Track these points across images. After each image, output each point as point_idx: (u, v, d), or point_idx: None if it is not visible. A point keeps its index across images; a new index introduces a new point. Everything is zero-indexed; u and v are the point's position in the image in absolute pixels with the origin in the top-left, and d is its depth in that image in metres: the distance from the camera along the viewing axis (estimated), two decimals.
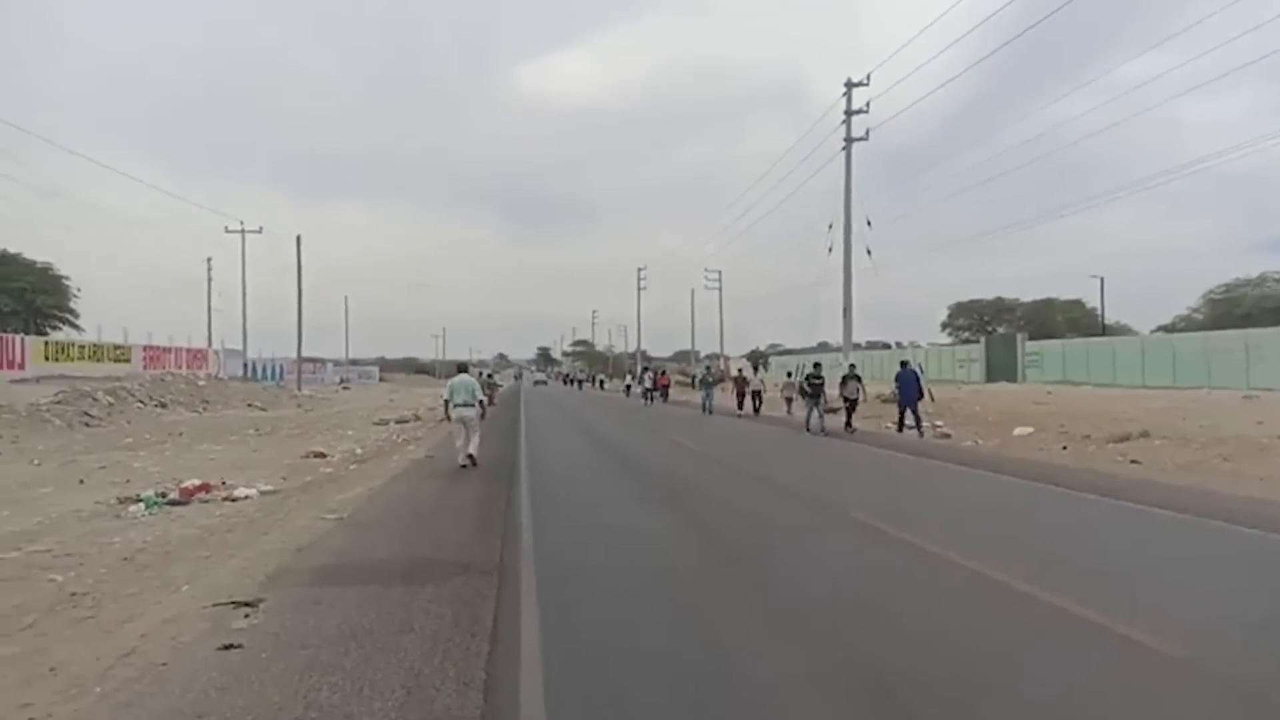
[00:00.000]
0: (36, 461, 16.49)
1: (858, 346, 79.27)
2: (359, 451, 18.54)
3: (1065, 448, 17.64)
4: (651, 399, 41.95)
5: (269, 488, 12.68)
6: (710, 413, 31.42)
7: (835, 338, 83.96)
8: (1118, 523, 8.88)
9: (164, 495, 11.67)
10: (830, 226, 35.28)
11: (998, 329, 72.93)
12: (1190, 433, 18.00)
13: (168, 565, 7.48)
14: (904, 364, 22.27)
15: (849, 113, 34.27)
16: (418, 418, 29.87)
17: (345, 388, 71.55)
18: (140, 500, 11.29)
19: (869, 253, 33.95)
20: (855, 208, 34.30)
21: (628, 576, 6.37)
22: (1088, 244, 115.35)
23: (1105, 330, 59.14)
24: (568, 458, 16.02)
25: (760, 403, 30.97)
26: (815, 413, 21.74)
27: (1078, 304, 75.34)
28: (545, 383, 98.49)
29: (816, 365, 23.51)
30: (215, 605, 5.75)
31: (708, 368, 39.87)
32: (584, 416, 31.21)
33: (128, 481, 13.78)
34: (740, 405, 31.67)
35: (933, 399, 30.20)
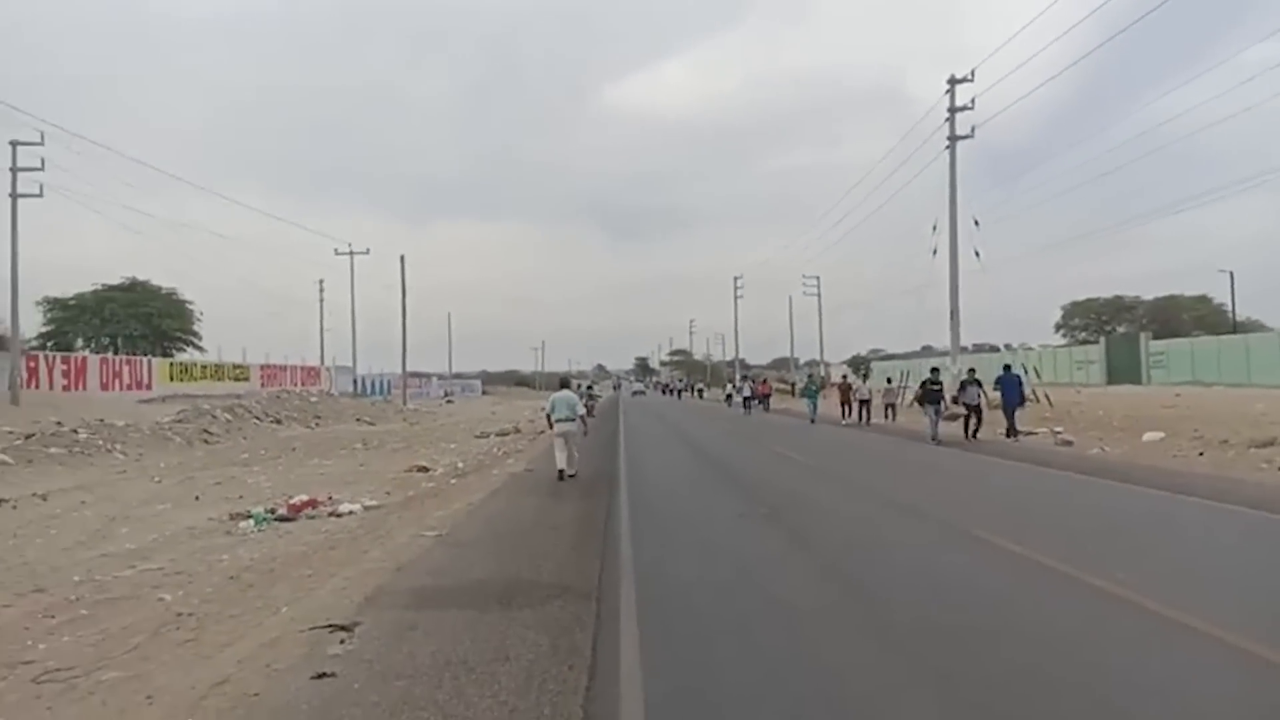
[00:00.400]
0: (157, 479, 17.16)
1: (964, 350, 76.54)
2: (460, 465, 18.67)
3: (1201, 454, 16.36)
4: (751, 408, 40.86)
5: (373, 503, 12.79)
6: (814, 422, 30.41)
7: (939, 341, 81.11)
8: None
9: (273, 511, 11.88)
10: (934, 228, 34.06)
11: (1117, 328, 69.37)
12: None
13: (271, 584, 7.49)
14: (1006, 367, 22.78)
15: (953, 109, 33.00)
16: (518, 430, 30.09)
17: (449, 401, 73.14)
18: (250, 517, 11.52)
19: (977, 254, 32.58)
20: (960, 208, 33.04)
21: (732, 602, 5.98)
22: (1211, 238, 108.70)
23: (1236, 327, 55.37)
24: (667, 470, 15.68)
25: (868, 411, 29.28)
26: (934, 421, 20.32)
27: (1204, 300, 71.03)
28: (644, 393, 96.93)
29: (934, 370, 21.81)
30: (312, 629, 5.64)
31: (810, 375, 37.95)
32: (683, 427, 30.64)
33: (240, 497, 14.14)
34: (845, 414, 30.10)
35: (1050, 404, 28.80)
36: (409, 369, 67.00)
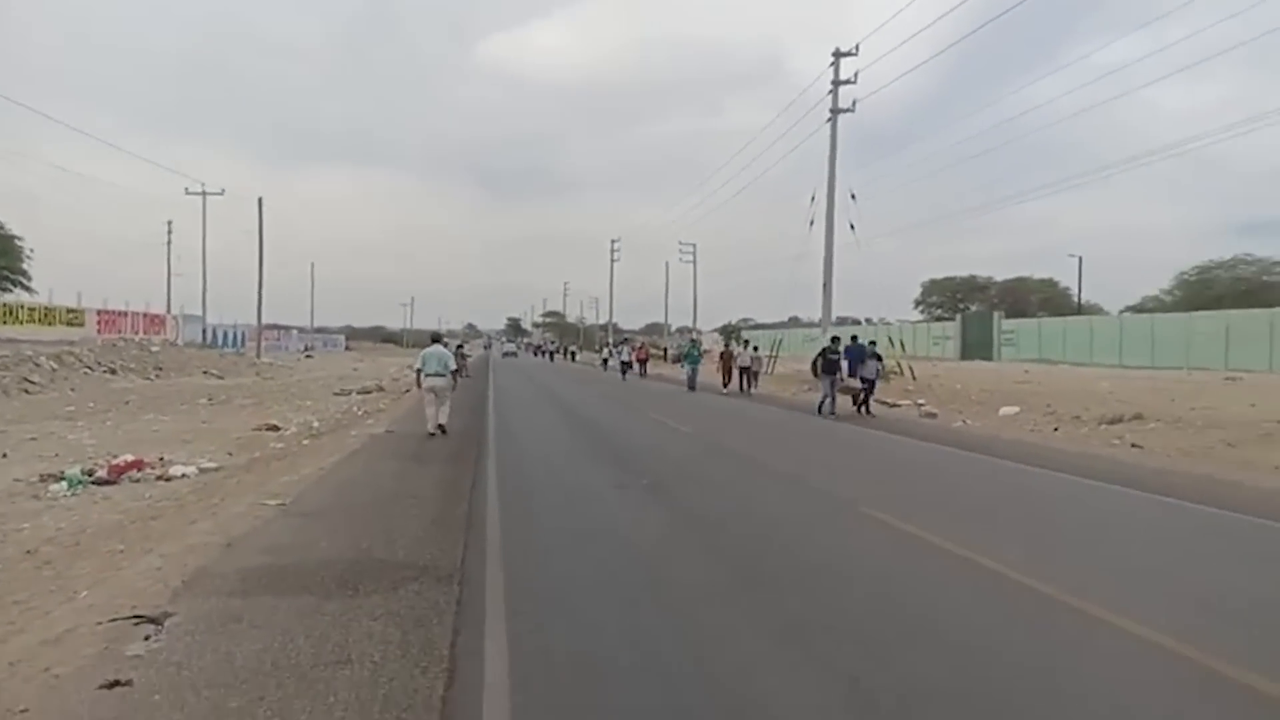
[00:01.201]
0: None
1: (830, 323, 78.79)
2: (315, 425, 17.39)
3: (1056, 429, 16.95)
4: (628, 373, 39.65)
5: (211, 465, 11.58)
6: (694, 389, 29.35)
7: (807, 313, 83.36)
8: (1152, 519, 8.09)
9: (90, 473, 10.52)
10: (813, 199, 34.32)
11: (970, 307, 72.71)
12: (1183, 415, 17.39)
13: (73, 561, 6.42)
14: (854, 338, 23.92)
15: (836, 83, 33.20)
16: (381, 389, 28.66)
17: (308, 356, 69.76)
18: (64, 479, 10.14)
19: (852, 226, 33.05)
20: (838, 181, 33.40)
21: (611, 588, 5.39)
22: (1058, 226, 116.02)
23: (1081, 309, 58.95)
24: (540, 436, 14.78)
25: (750, 380, 28.58)
26: (829, 393, 19.55)
27: (1050, 283, 75.29)
28: (515, 354, 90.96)
29: (835, 340, 21.03)
30: (113, 620, 4.71)
31: (693, 340, 36.57)
32: (557, 390, 29.55)
33: (56, 455, 12.59)
34: (726, 381, 29.46)
35: (914, 377, 29.66)
36: (267, 321, 63.39)
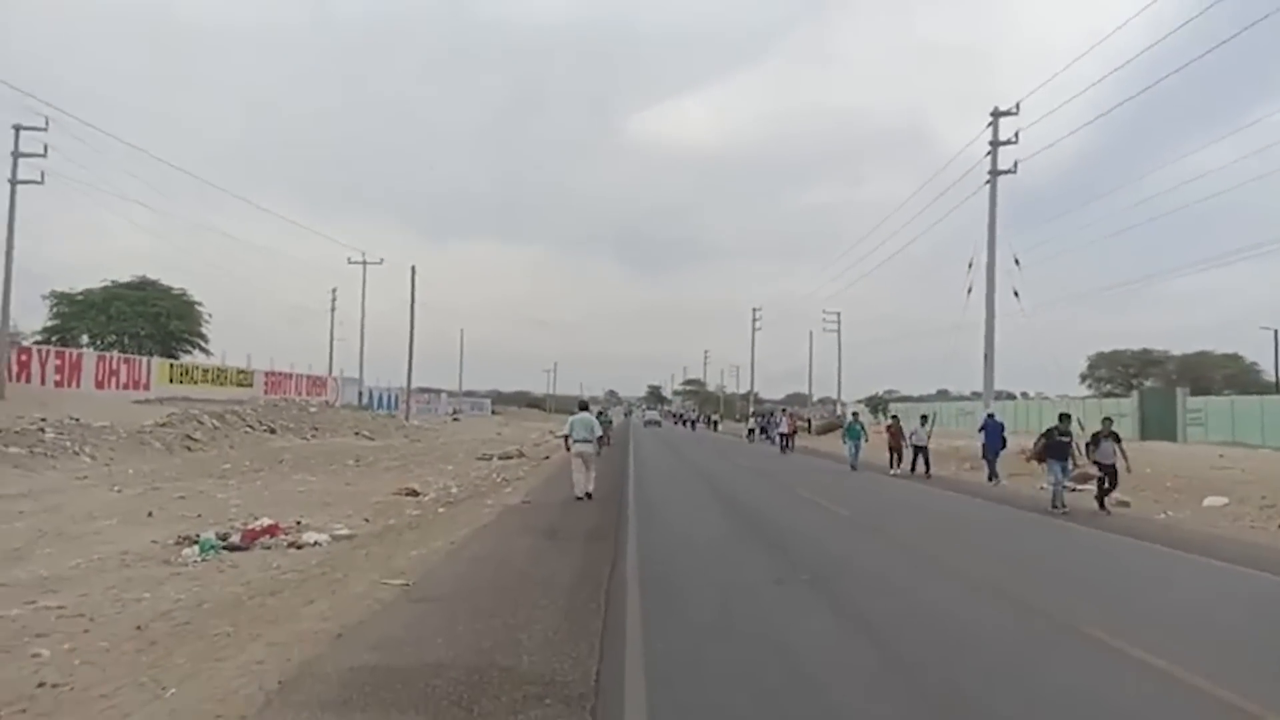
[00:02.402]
0: (118, 488, 15.56)
1: (977, 395, 74.47)
2: (454, 491, 17.02)
3: (1122, 502, 14.97)
4: (788, 446, 35.47)
5: (344, 532, 11.15)
6: (855, 468, 25.42)
7: (956, 386, 79.45)
8: None
9: (225, 537, 10.25)
10: (970, 265, 32.32)
11: (1144, 382, 67.23)
12: None
13: (178, 645, 5.84)
14: (990, 415, 23.80)
15: (995, 143, 31.40)
16: (521, 454, 28.42)
17: (455, 419, 71.51)
18: (198, 542, 9.88)
19: (1016, 294, 30.80)
20: (998, 246, 31.35)
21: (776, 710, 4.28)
22: (1236, 297, 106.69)
23: (1279, 388, 53.26)
24: (685, 515, 13.60)
25: (927, 460, 24.11)
26: (1059, 482, 15.56)
27: (1235, 358, 68.92)
28: (659, 423, 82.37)
29: (1064, 418, 16.66)
30: None
31: (855, 413, 31.55)
32: (701, 463, 27.80)
33: (199, 516, 12.53)
34: (894, 461, 25.06)
35: (1129, 469, 26.91)
36: (418, 384, 65.58)
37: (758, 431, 47.12)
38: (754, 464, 27.76)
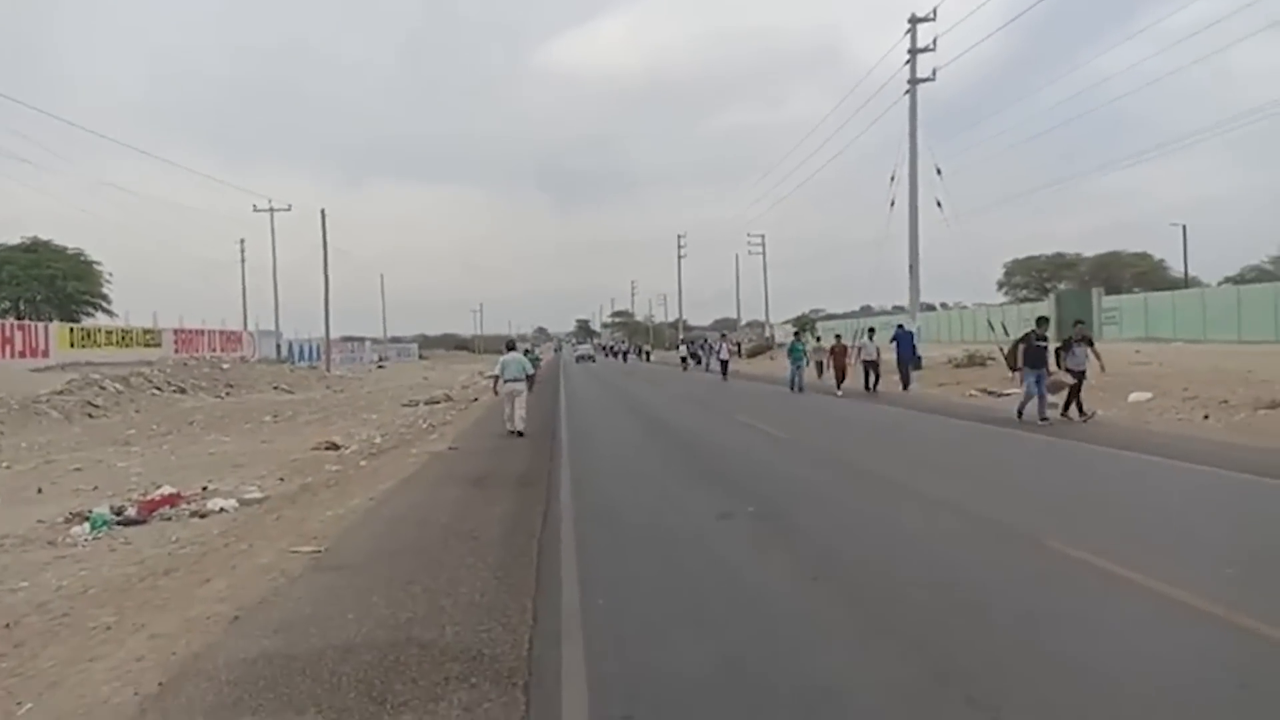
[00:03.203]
0: (5, 464, 14.35)
1: (900, 309, 75.67)
2: (378, 441, 16.20)
3: (1206, 417, 14.72)
4: (727, 372, 34.25)
5: (255, 495, 10.34)
6: (800, 389, 24.10)
7: (879, 301, 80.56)
8: None
9: (120, 512, 9.34)
10: (893, 178, 32.18)
11: (1059, 286, 69.03)
12: None
13: (48, 643, 5.09)
14: (900, 326, 24.65)
15: (914, 50, 31.02)
16: (449, 398, 27.56)
17: (381, 366, 69.77)
18: (88, 519, 8.98)
19: (939, 204, 30.80)
20: (919, 157, 31.13)
21: (738, 691, 3.78)
22: (1143, 198, 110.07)
23: (1189, 282, 55.07)
24: (622, 455, 12.59)
25: (877, 376, 22.90)
26: (1037, 391, 14.43)
27: (1145, 257, 71.23)
28: (592, 358, 73.60)
29: (1041, 321, 15.56)
30: None
31: (796, 332, 29.83)
32: (638, 395, 26.64)
33: (96, 489, 11.56)
34: (840, 381, 23.60)
35: (1103, 368, 27.20)
36: (341, 333, 63.56)
37: (690, 360, 46.69)
38: (690, 393, 26.95)
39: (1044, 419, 14.00)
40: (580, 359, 70.63)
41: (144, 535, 8.42)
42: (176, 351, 47.46)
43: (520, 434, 14.68)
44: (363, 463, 13.07)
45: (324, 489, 10.61)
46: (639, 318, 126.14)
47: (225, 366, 37.93)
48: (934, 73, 31.21)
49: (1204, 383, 18.89)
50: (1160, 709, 3.45)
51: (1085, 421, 14.15)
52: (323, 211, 54.06)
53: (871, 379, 22.79)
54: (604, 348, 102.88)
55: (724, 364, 34.70)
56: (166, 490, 10.36)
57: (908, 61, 31.23)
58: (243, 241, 63.50)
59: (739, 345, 57.08)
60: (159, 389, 28.05)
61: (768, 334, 74.52)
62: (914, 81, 31.25)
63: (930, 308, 74.79)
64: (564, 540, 6.66)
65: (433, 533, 7.19)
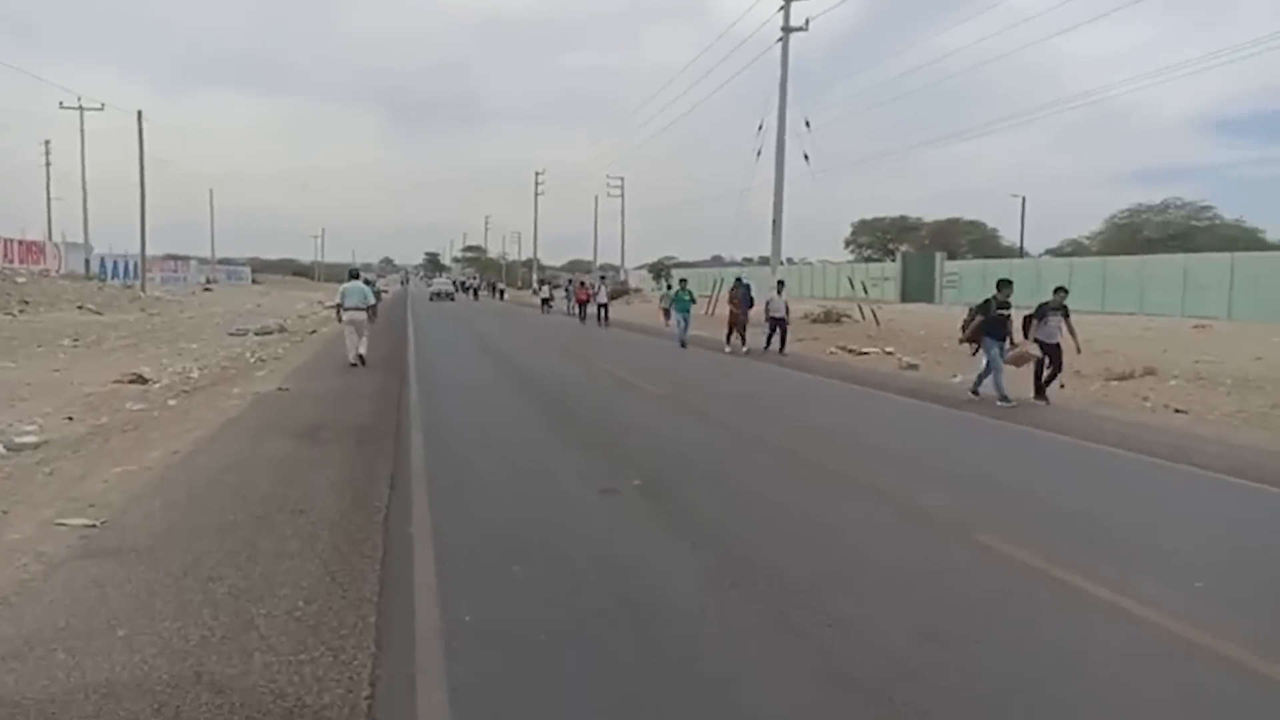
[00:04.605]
0: None
1: (749, 262, 76.84)
2: (194, 376, 14.22)
3: (1063, 386, 14.95)
4: (592, 317, 32.11)
5: (30, 439, 8.51)
6: (685, 345, 21.59)
7: (731, 252, 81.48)
8: None
9: None
10: (760, 128, 31.73)
11: (901, 248, 71.81)
12: (1190, 369, 15.67)
13: None
14: (738, 280, 21.86)
15: None
16: (283, 329, 25.23)
17: (208, 289, 64.45)
18: None
19: (806, 157, 30.60)
20: (781, 113, 30.73)
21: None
22: (976, 169, 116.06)
23: (1022, 252, 58.24)
24: (483, 413, 10.81)
25: (785, 336, 20.35)
26: (995, 364, 12.40)
27: (979, 225, 75.17)
28: (451, 296, 62.85)
29: (1004, 284, 13.07)
30: None
31: (684, 280, 25.47)
32: (498, 342, 23.30)
33: None
34: (730, 337, 20.90)
35: (878, 322, 27.43)
36: (166, 252, 57.98)
37: (554, 301, 43.90)
38: (559, 341, 24.15)
39: (1005, 399, 12.04)
40: (437, 296, 60.25)
41: None
42: None
43: (362, 361, 14.89)
44: (172, 402, 11.24)
45: (119, 434, 8.87)
46: (492, 254, 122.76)
47: (20, 280, 33.58)
48: (807, 22, 30.72)
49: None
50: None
51: (1048, 403, 12.43)
52: (139, 113, 48.58)
53: (777, 338, 20.23)
54: (456, 283, 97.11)
55: (603, 309, 31.77)
56: None
57: (782, 8, 30.58)
58: (48, 143, 56.67)
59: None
60: None
61: (622, 278, 73.83)
62: (787, 29, 30.70)
63: (782, 262, 76.12)
64: (416, 521, 5.42)
65: (249, 504, 5.81)
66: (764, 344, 20.28)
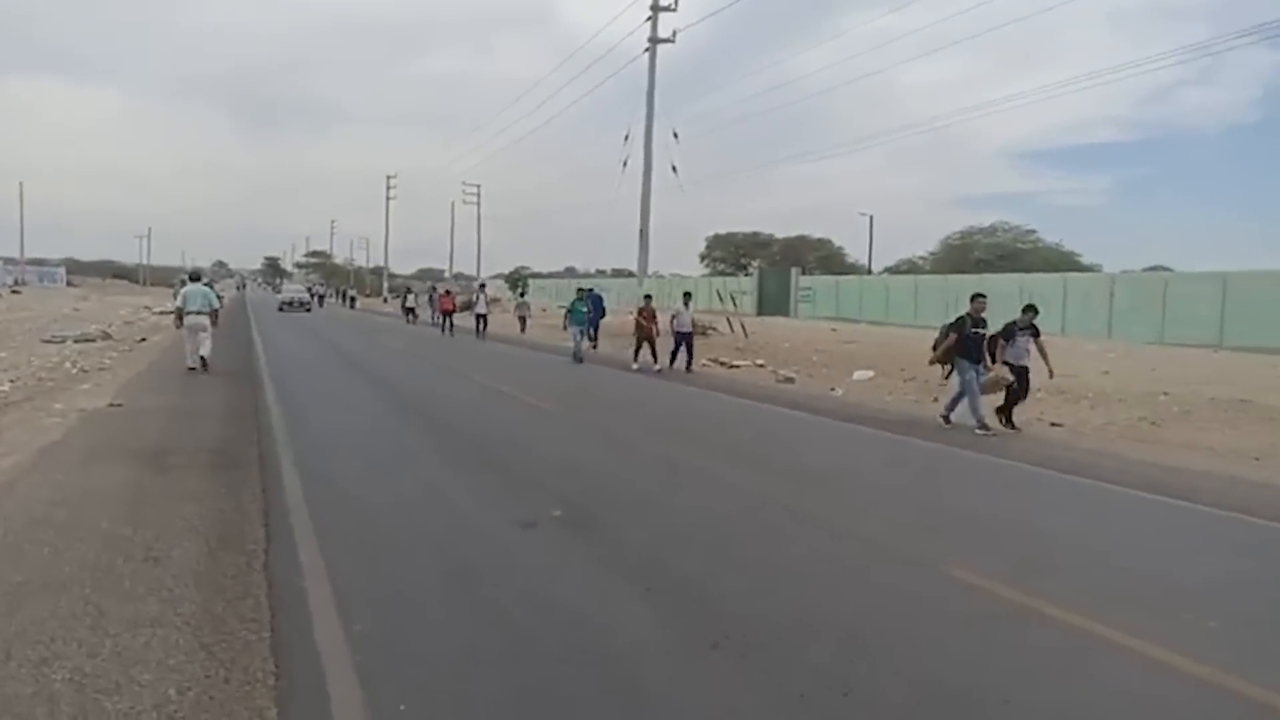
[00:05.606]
0: None
1: (602, 274, 76.92)
2: (5, 388, 12.35)
3: (935, 399, 15.21)
4: (451, 326, 30.34)
5: None
6: (581, 360, 20.14)
7: (583, 263, 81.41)
8: (1234, 542, 5.86)
9: None
10: (627, 137, 31.39)
11: (753, 262, 73.72)
12: (1062, 386, 16.31)
13: None
14: (589, 290, 23.04)
15: (656, 8, 30.27)
16: (107, 335, 22.81)
17: (16, 292, 58.44)
18: None
19: (674, 169, 30.54)
20: (649, 122, 30.59)
21: None
22: (820, 188, 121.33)
23: (871, 269, 60.74)
24: (360, 435, 9.49)
25: (691, 352, 18.98)
26: (971, 388, 11.30)
27: (827, 242, 78.18)
28: (307, 306, 51.43)
29: (978, 298, 11.69)
30: None
31: (584, 289, 23.49)
32: (363, 357, 20.35)
33: None
34: (639, 354, 19.41)
35: (745, 335, 27.57)
36: None
37: (417, 311, 41.00)
38: (433, 354, 22.12)
39: (984, 428, 10.96)
40: (288, 305, 49.63)
41: None
42: None
43: (204, 364, 14.70)
44: None
45: None
46: (338, 260, 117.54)
47: None
48: (674, 34, 30.72)
49: (916, 364, 19.99)
50: None
51: (1017, 430, 11.41)
52: None
53: (683, 355, 18.81)
54: (313, 291, 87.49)
55: (481, 319, 29.38)
56: None
57: (649, 18, 30.49)
58: None
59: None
60: None
61: (589, 287, 72.14)
62: (654, 40, 30.60)
63: (630, 274, 76.47)
64: (308, 571, 4.50)
65: (86, 550, 4.73)
66: (669, 361, 18.88)
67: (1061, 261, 50.22)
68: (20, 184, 77.42)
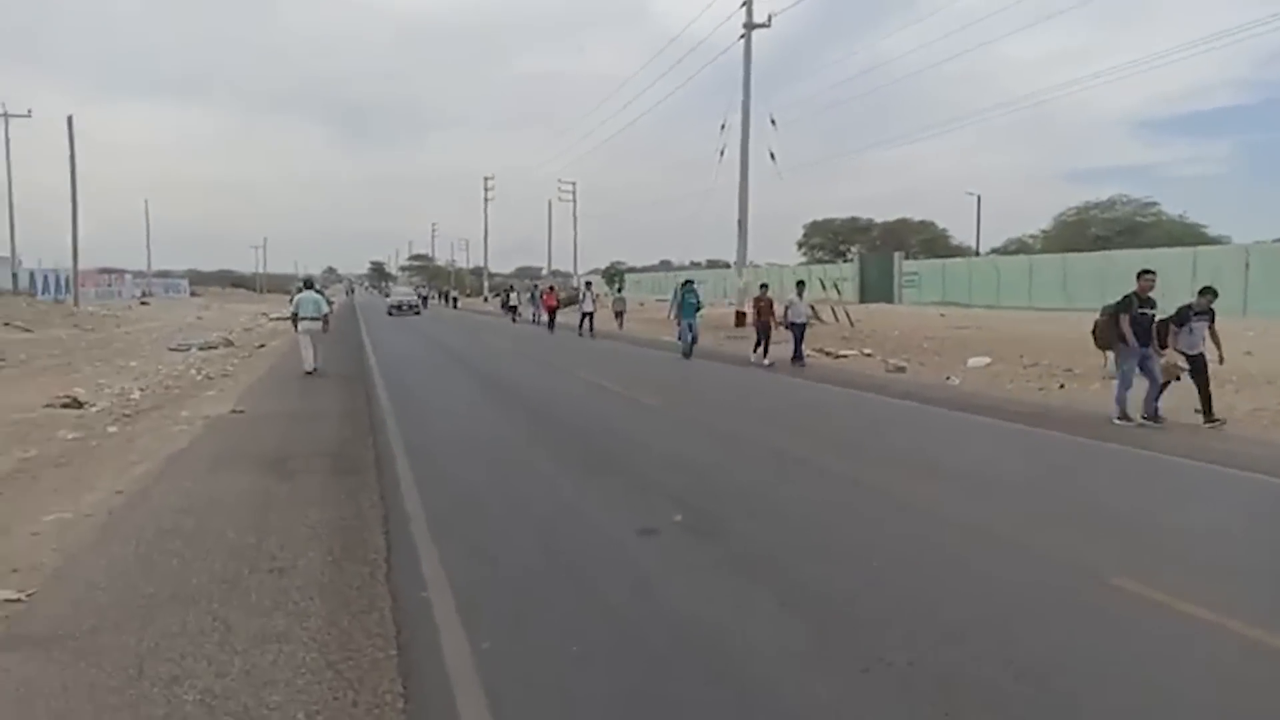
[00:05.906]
0: None
1: (696, 266, 76.13)
2: (135, 396, 12.92)
3: (1062, 386, 14.35)
4: (554, 324, 30.40)
5: None
6: (689, 356, 19.42)
7: (679, 256, 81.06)
8: None
9: None
10: (723, 127, 31.00)
11: (853, 248, 72.06)
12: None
13: None
14: (689, 282, 21.26)
15: None
16: (229, 343, 23.78)
17: (144, 303, 61.82)
18: None
19: (773, 156, 29.94)
20: (745, 110, 30.05)
21: None
22: (920, 170, 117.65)
23: (978, 251, 58.56)
24: (476, 437, 9.26)
25: (801, 344, 18.28)
26: (1126, 378, 10.38)
27: (930, 225, 75.67)
28: (416, 309, 49.62)
29: (1146, 274, 10.54)
30: None
31: (689, 281, 21.94)
32: (465, 353, 21.07)
33: None
34: (758, 349, 18.49)
35: (851, 323, 26.80)
36: (100, 265, 55.29)
37: (519, 310, 40.88)
38: (538, 352, 21.74)
39: (1154, 417, 10.04)
40: (398, 309, 48.16)
41: None
42: None
43: (316, 371, 15.27)
44: (112, 429, 10.01)
45: (51, 469, 7.68)
46: (440, 262, 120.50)
47: None
48: (769, 18, 30.14)
49: (1033, 348, 19.01)
50: None
51: (1218, 427, 9.96)
52: (69, 118, 46.17)
53: (796, 349, 18.18)
54: (419, 292, 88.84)
55: (587, 317, 28.63)
56: None
57: (744, 3, 29.96)
58: None
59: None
60: None
61: (575, 283, 72.79)
62: (750, 26, 30.07)
63: (726, 265, 75.74)
64: (430, 582, 4.39)
65: (214, 561, 4.75)
66: (792, 355, 18.08)
67: (1186, 234, 47.06)
68: (145, 201, 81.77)
